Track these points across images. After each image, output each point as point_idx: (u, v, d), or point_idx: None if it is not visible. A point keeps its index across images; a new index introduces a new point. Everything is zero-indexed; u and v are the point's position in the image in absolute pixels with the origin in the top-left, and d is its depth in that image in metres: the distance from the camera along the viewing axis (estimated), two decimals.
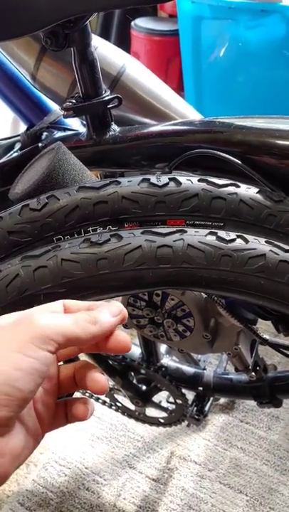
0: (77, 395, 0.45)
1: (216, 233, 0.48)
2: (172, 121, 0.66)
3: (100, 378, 0.38)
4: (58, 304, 0.37)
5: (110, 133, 0.65)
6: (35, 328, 0.33)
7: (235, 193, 0.51)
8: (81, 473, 1.18)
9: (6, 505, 1.12)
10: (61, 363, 0.41)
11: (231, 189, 0.51)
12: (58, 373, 0.40)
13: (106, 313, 0.37)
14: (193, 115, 0.74)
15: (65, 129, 0.72)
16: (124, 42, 2.16)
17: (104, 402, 1.07)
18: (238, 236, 0.48)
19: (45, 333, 0.33)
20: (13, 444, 0.34)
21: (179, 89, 2.05)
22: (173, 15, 2.12)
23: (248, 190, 0.51)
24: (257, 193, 0.52)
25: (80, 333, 0.35)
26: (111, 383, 1.03)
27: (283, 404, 1.17)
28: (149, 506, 1.11)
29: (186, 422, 1.03)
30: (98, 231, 0.50)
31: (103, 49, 0.71)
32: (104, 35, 2.26)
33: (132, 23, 2.13)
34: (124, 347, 0.38)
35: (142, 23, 2.12)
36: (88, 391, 0.47)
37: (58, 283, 0.47)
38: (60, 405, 0.40)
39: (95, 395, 1.10)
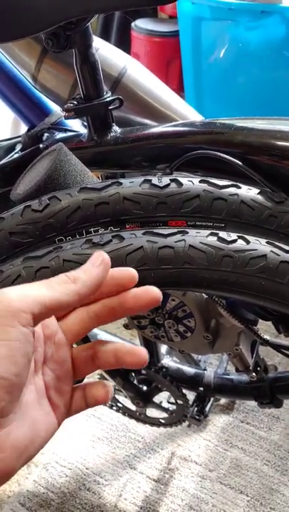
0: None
1: (217, 234, 0.48)
2: (173, 123, 0.66)
3: (137, 351, 0.36)
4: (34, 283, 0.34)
5: (111, 134, 0.65)
6: (2, 306, 0.31)
7: (236, 194, 0.51)
8: (82, 474, 1.18)
9: (6, 506, 1.12)
10: (74, 345, 0.38)
11: (232, 190, 0.51)
12: (71, 357, 0.37)
13: (87, 266, 0.35)
14: (194, 116, 0.74)
15: (66, 130, 0.72)
16: (124, 43, 2.16)
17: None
18: (239, 237, 0.48)
19: (14, 307, 0.31)
20: (15, 437, 0.31)
21: (180, 90, 2.05)
22: (173, 16, 2.12)
23: (249, 191, 0.52)
24: (258, 194, 0.52)
25: (58, 296, 0.33)
26: (112, 384, 1.03)
27: (284, 404, 1.17)
28: (149, 507, 1.11)
29: (186, 423, 1.03)
30: (100, 232, 0.50)
31: (104, 50, 0.71)
32: (105, 36, 2.26)
33: (133, 24, 2.13)
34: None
35: (142, 24, 2.12)
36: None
37: None
38: (78, 390, 0.37)
39: None
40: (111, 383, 0.38)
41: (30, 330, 0.31)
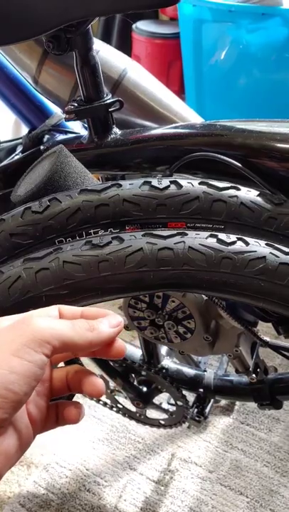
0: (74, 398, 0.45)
1: (217, 236, 0.48)
2: (173, 125, 0.66)
3: (96, 382, 0.39)
4: (54, 309, 0.38)
5: (112, 136, 0.65)
6: (32, 331, 0.34)
7: (236, 196, 0.51)
8: (82, 475, 1.18)
9: (7, 507, 1.12)
10: (62, 363, 0.41)
11: (232, 192, 0.51)
12: (51, 376, 0.40)
13: (105, 323, 0.38)
14: (194, 118, 0.75)
15: (66, 132, 0.73)
16: (125, 45, 2.17)
17: (105, 404, 1.07)
18: (239, 238, 0.49)
19: (42, 336, 0.34)
20: (7, 446, 0.34)
21: (181, 91, 2.06)
22: (174, 18, 2.12)
23: (248, 193, 0.52)
24: (257, 195, 0.52)
25: (77, 339, 0.35)
26: (112, 385, 1.03)
27: (284, 406, 1.17)
28: (149, 508, 1.11)
29: (186, 424, 1.03)
30: (100, 233, 0.50)
31: (105, 52, 0.71)
32: (106, 37, 2.27)
33: (134, 26, 2.14)
34: (120, 353, 0.39)
35: (143, 26, 2.13)
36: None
37: (59, 285, 0.47)
38: (52, 407, 0.40)
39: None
40: (82, 406, 0.41)
41: (47, 359, 0.34)
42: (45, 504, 1.12)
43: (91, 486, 1.16)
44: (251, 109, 1.70)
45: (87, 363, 0.90)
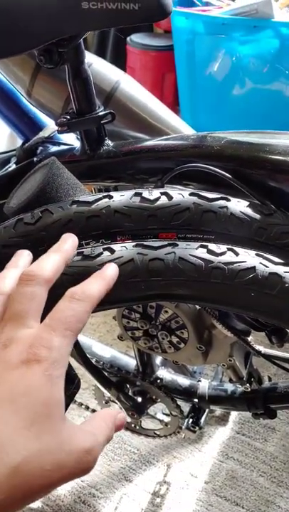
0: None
1: (207, 246, 0.49)
2: (165, 136, 0.67)
3: None
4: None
5: (104, 148, 0.66)
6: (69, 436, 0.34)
7: (226, 207, 0.52)
8: (77, 487, 1.18)
9: None
10: None
11: (222, 203, 0.52)
12: None
13: (112, 425, 0.42)
14: (186, 130, 0.75)
15: (59, 144, 0.73)
16: (120, 57, 2.19)
17: None
18: (229, 249, 0.49)
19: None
20: None
21: (175, 103, 2.07)
22: (168, 30, 2.15)
23: (238, 204, 0.52)
24: (247, 206, 0.53)
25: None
26: (106, 395, 1.03)
27: (279, 415, 1.17)
28: None
29: (182, 434, 1.03)
30: (91, 244, 0.51)
31: (97, 65, 0.72)
32: (101, 50, 2.29)
33: (128, 38, 2.16)
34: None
35: (137, 38, 2.15)
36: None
37: (49, 295, 0.47)
38: None
39: (91, 407, 1.10)
40: None
41: None
42: None
43: (86, 498, 1.15)
44: (245, 120, 1.71)
45: (82, 373, 0.90)
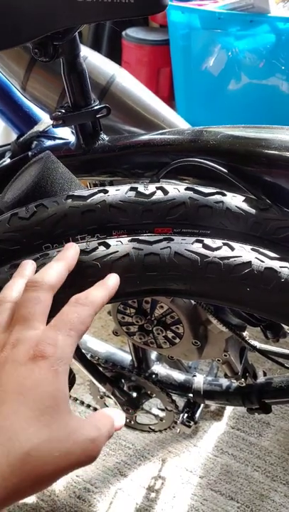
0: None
1: (203, 241, 0.49)
2: (160, 131, 0.67)
3: None
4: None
5: (99, 142, 0.66)
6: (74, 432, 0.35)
7: (222, 202, 0.52)
8: (72, 482, 1.18)
9: None
10: None
11: (218, 197, 0.52)
12: None
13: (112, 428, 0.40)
14: (182, 124, 0.75)
15: (54, 138, 0.73)
16: (115, 51, 2.18)
17: (94, 409, 1.07)
18: (224, 244, 0.49)
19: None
20: None
21: (170, 98, 2.07)
22: (164, 25, 2.14)
23: (234, 199, 0.52)
24: (243, 201, 0.53)
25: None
26: (102, 390, 1.03)
27: (274, 410, 1.17)
28: None
29: (177, 429, 1.03)
30: (86, 239, 0.50)
31: (92, 59, 0.71)
32: (96, 44, 2.28)
33: (124, 32, 2.15)
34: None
35: (133, 33, 2.14)
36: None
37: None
38: None
39: (86, 402, 1.10)
40: None
41: None
42: (35, 511, 1.12)
43: (81, 493, 1.15)
44: (241, 115, 1.71)
45: (77, 368, 0.90)
